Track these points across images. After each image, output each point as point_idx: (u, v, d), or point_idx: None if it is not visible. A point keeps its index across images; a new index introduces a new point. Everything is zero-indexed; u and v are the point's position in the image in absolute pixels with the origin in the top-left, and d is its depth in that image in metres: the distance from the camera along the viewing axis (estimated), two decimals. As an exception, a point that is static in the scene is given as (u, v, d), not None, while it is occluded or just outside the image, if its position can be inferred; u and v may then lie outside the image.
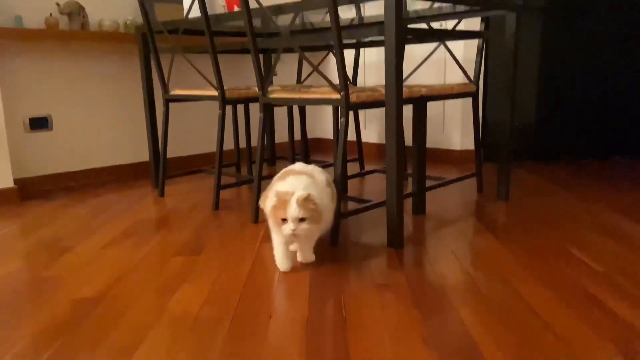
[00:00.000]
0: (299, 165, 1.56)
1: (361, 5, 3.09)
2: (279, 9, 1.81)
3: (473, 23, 2.78)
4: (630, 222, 1.83)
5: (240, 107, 3.26)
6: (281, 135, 3.56)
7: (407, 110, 3.03)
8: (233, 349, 1.06)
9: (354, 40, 2.59)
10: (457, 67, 2.94)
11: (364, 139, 3.50)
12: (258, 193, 1.96)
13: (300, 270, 1.47)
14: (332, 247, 1.66)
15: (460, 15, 2.06)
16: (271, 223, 1.41)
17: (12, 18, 2.48)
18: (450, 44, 2.93)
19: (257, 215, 1.98)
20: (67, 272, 1.52)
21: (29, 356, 1.05)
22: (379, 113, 3.42)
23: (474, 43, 2.86)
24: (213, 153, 3.28)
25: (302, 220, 1.34)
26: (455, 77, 2.98)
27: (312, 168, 1.54)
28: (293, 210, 1.32)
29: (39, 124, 2.60)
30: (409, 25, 2.39)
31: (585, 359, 0.98)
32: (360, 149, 2.84)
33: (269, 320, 1.18)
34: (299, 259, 1.53)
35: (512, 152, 2.17)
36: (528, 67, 2.96)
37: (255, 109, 3.21)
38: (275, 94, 1.88)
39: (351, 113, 2.95)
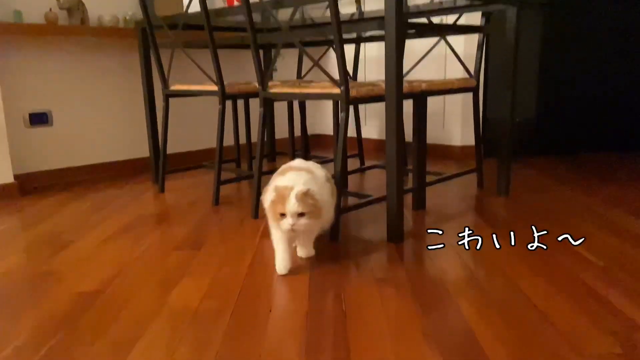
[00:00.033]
0: (298, 162, 1.55)
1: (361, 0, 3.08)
2: (278, 4, 1.80)
3: (474, 18, 2.77)
4: (631, 217, 1.83)
5: (241, 103, 3.25)
6: (281, 131, 3.56)
7: (407, 106, 3.02)
8: (233, 343, 1.06)
9: (354, 35, 2.59)
10: (457, 62, 2.94)
11: (364, 135, 3.50)
12: (258, 188, 1.95)
13: (300, 265, 1.47)
14: (332, 242, 1.66)
15: (460, 10, 2.05)
16: (270, 219, 1.39)
17: (12, 13, 2.48)
18: (451, 39, 2.92)
19: (257, 211, 1.98)
20: (67, 267, 1.52)
21: (29, 349, 1.06)
22: (379, 109, 3.42)
23: (475, 38, 2.85)
24: (213, 149, 3.28)
25: (301, 215, 1.31)
26: (455, 73, 2.97)
27: (311, 164, 1.53)
28: (292, 205, 1.30)
29: (39, 119, 2.60)
30: (410, 20, 2.38)
31: (584, 352, 0.98)
32: (361, 144, 2.84)
33: (269, 314, 1.18)
34: (299, 253, 1.53)
35: (513, 147, 2.16)
36: (529, 62, 2.95)
37: (255, 104, 3.20)
38: (275, 88, 1.88)
39: (351, 109, 2.95)
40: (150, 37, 2.30)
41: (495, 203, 2.08)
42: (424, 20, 2.77)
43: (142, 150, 3.00)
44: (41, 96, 2.60)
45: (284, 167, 1.53)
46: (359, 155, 2.84)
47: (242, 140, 3.32)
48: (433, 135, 3.16)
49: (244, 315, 1.18)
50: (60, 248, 1.68)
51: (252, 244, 1.67)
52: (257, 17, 3.02)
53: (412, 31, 2.27)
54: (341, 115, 1.62)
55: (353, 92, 1.61)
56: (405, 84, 1.78)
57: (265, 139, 3.07)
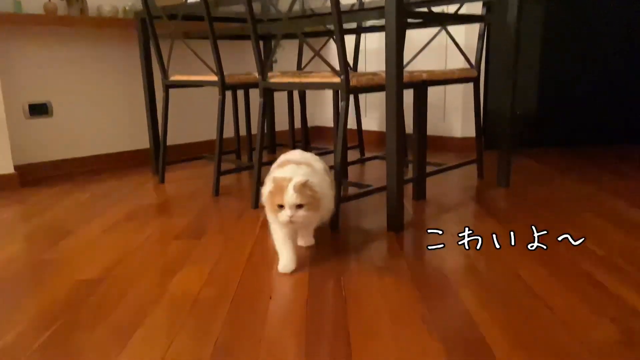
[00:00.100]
0: (296, 153, 1.52)
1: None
2: (279, -7, 1.79)
3: (475, 8, 2.76)
4: (631, 207, 1.83)
5: (241, 95, 3.25)
6: (281, 123, 3.55)
7: (408, 97, 3.02)
8: (233, 329, 1.06)
9: (355, 26, 2.58)
10: (458, 54, 2.93)
11: (364, 126, 3.50)
12: (258, 179, 1.95)
13: (300, 254, 1.47)
14: (332, 231, 1.66)
15: (461, 0, 2.04)
16: (268, 211, 1.35)
17: (11, 3, 2.47)
18: (452, 30, 2.91)
19: (257, 201, 1.98)
20: (68, 255, 1.52)
21: (30, 335, 1.06)
22: (380, 100, 3.41)
23: (475, 29, 2.84)
24: (213, 141, 3.27)
25: (299, 207, 1.27)
26: (456, 64, 2.97)
27: (310, 156, 1.51)
28: (290, 196, 1.26)
29: (39, 110, 2.59)
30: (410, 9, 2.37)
31: (584, 338, 0.98)
32: (361, 136, 2.83)
33: (269, 301, 1.19)
34: (299, 242, 1.53)
35: (513, 139, 2.16)
36: (530, 52, 2.94)
37: (255, 96, 3.20)
38: (275, 78, 1.87)
39: (352, 100, 2.94)
40: (149, 27, 2.29)
41: (495, 194, 2.08)
42: (424, 10, 2.76)
43: (142, 141, 3.00)
44: (41, 87, 2.60)
45: (282, 159, 1.50)
46: (359, 147, 2.84)
47: (243, 132, 3.32)
48: (433, 127, 3.16)
49: (244, 303, 1.18)
50: (60, 237, 1.69)
51: (252, 234, 1.67)
52: (257, 7, 3.01)
53: (413, 20, 2.27)
54: (341, 104, 1.61)
55: (353, 81, 1.61)
56: (405, 74, 1.78)
57: (266, 131, 3.07)
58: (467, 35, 2.88)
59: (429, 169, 2.07)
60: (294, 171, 1.35)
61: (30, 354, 0.99)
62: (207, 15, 2.01)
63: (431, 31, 3.00)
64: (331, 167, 1.71)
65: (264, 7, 2.97)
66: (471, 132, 3.04)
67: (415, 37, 3.05)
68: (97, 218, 1.89)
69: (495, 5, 2.23)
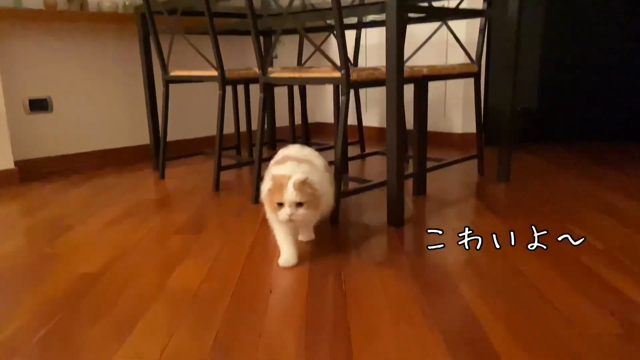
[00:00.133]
0: (295, 148, 1.50)
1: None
2: (279, -13, 1.79)
3: (476, 3, 2.75)
4: (631, 202, 1.83)
5: (241, 91, 3.24)
6: (282, 119, 3.55)
7: (408, 94, 3.01)
8: (233, 323, 1.06)
9: (355, 21, 2.57)
10: (458, 49, 2.92)
11: (364, 122, 3.49)
12: (258, 174, 1.95)
13: (301, 248, 1.46)
14: (333, 226, 1.66)
15: (462, -6, 2.03)
16: (268, 210, 1.33)
17: (11, -2, 2.46)
18: (452, 25, 2.90)
19: (258, 196, 1.97)
20: (68, 250, 1.52)
21: (30, 329, 1.06)
22: (380, 96, 3.41)
23: (476, 25, 2.83)
24: (213, 136, 3.27)
25: (299, 205, 1.25)
26: (457, 59, 2.96)
27: (309, 152, 1.49)
28: (290, 194, 1.24)
29: (39, 105, 2.59)
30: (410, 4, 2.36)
31: (584, 332, 0.98)
32: (361, 131, 2.83)
33: (269, 295, 1.19)
34: (299, 237, 1.53)
35: (514, 134, 2.15)
36: (531, 48, 2.93)
37: (255, 91, 3.19)
38: (275, 73, 1.87)
39: (352, 96, 2.94)
40: (149, 22, 2.29)
41: (496, 189, 2.07)
42: (425, 4, 2.75)
43: (142, 137, 2.99)
44: (41, 82, 2.59)
45: (281, 154, 1.48)
46: (360, 142, 2.84)
47: (243, 128, 3.31)
48: (434, 123, 3.15)
49: (244, 297, 1.18)
50: (61, 232, 1.69)
51: (252, 229, 1.67)
52: (257, 2, 3.00)
53: (414, 15, 2.26)
54: (342, 99, 1.61)
55: (354, 76, 1.61)
56: (406, 69, 1.78)
57: (266, 127, 3.07)
58: (468, 30, 2.87)
59: (429, 164, 2.07)
60: (293, 168, 1.33)
61: (30, 347, 0.99)
62: (207, 11, 2.01)
63: (432, 26, 2.99)
64: (331, 163, 1.71)
65: (264, 2, 2.96)
66: (472, 128, 3.03)
67: (415, 33, 3.04)
68: (97, 213, 1.89)
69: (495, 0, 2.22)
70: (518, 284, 1.20)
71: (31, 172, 2.60)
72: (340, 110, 1.62)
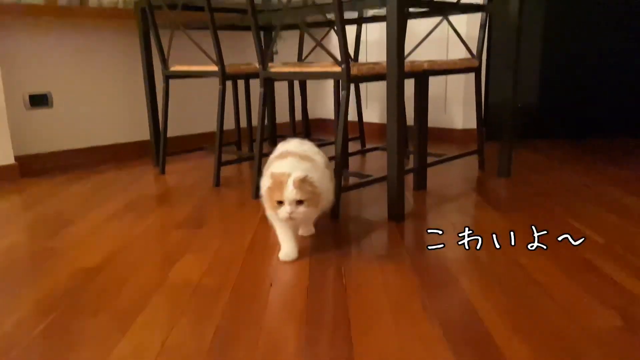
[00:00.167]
0: (295, 143, 1.48)
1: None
2: (279, -19, 1.78)
3: (476, -1, 2.75)
4: (631, 197, 1.83)
5: (241, 87, 3.24)
6: (282, 115, 3.55)
7: (409, 90, 3.01)
8: (233, 316, 1.06)
9: (356, 15, 2.56)
10: (459, 45, 2.92)
11: (365, 119, 3.49)
12: (259, 170, 1.95)
13: (301, 243, 1.46)
14: (333, 221, 1.66)
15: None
16: (267, 207, 1.33)
17: (10, -7, 2.46)
18: (453, 20, 2.90)
19: (258, 192, 1.97)
20: (69, 244, 1.52)
21: (31, 321, 1.06)
22: (381, 92, 3.40)
23: (477, 20, 2.83)
24: (214, 132, 3.27)
25: (299, 203, 1.24)
26: (457, 55, 2.95)
27: (309, 147, 1.47)
28: (290, 192, 1.23)
29: (39, 101, 2.59)
30: None
31: (585, 325, 0.98)
32: (362, 127, 2.83)
33: (269, 288, 1.19)
34: (300, 232, 1.53)
35: (514, 129, 2.15)
36: (531, 43, 2.93)
37: (255, 87, 3.19)
38: (275, 68, 1.87)
39: (352, 92, 2.93)
40: (150, 17, 2.28)
41: (496, 184, 2.07)
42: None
43: (142, 133, 2.99)
44: (41, 78, 2.59)
45: (281, 149, 1.46)
46: (360, 138, 2.84)
47: (243, 124, 3.31)
48: (434, 119, 3.15)
49: (245, 290, 1.18)
50: (61, 226, 1.69)
51: (253, 223, 1.67)
52: (257, -2, 3.00)
53: (414, 10, 2.26)
54: (342, 93, 1.61)
55: (354, 70, 1.60)
56: (406, 63, 1.77)
57: (266, 123, 3.07)
58: (469, 25, 2.86)
59: (429, 159, 2.07)
60: (293, 165, 1.31)
61: (31, 339, 0.99)
62: (208, 5, 2.00)
63: (432, 22, 2.99)
64: (332, 158, 1.71)
65: (265, -2, 2.95)
66: (472, 124, 3.03)
67: (416, 29, 3.04)
68: (98, 208, 1.89)
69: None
70: (518, 278, 1.20)
71: (31, 167, 2.60)
72: (340, 105, 1.61)
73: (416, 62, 1.83)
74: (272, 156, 1.47)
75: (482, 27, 2.15)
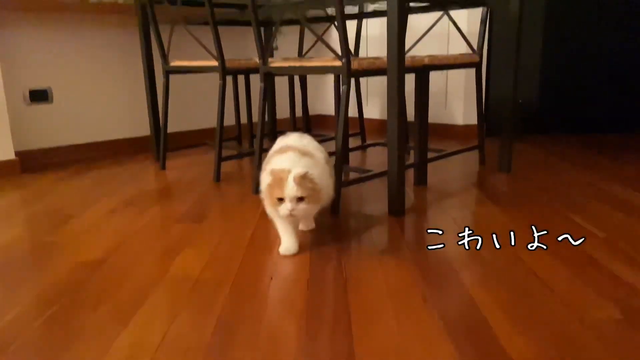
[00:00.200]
0: (295, 137, 1.47)
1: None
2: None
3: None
4: (632, 192, 1.83)
5: (242, 82, 3.23)
6: (282, 111, 3.54)
7: (409, 85, 3.01)
8: (234, 308, 1.06)
9: (356, 10, 2.56)
10: (460, 40, 2.91)
11: (365, 115, 3.48)
12: (259, 166, 1.95)
13: (301, 237, 1.46)
14: (333, 216, 1.66)
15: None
16: (268, 204, 1.32)
17: (10, -12, 2.45)
18: (454, 16, 2.89)
19: (258, 187, 1.97)
20: (69, 238, 1.52)
21: (31, 315, 1.06)
22: (381, 88, 3.40)
23: (478, 16, 2.82)
24: (214, 128, 3.26)
25: (300, 199, 1.23)
26: (458, 51, 2.95)
27: (308, 141, 1.46)
28: (290, 189, 1.22)
29: (39, 96, 2.58)
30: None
31: (585, 317, 0.98)
32: (362, 123, 2.83)
33: (270, 282, 1.19)
34: (300, 227, 1.52)
35: (515, 125, 2.15)
36: (532, 39, 2.92)
37: (256, 83, 3.18)
38: (276, 63, 1.86)
39: (353, 87, 2.93)
40: (150, 12, 2.28)
41: (497, 179, 2.07)
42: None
43: (143, 128, 2.99)
44: (41, 73, 2.59)
45: (281, 144, 1.46)
46: (361, 134, 2.83)
47: (244, 120, 3.31)
48: (435, 115, 3.15)
49: (245, 284, 1.18)
50: (62, 221, 1.69)
51: (253, 218, 1.67)
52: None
53: (415, 5, 2.25)
54: (342, 88, 1.60)
55: (354, 65, 1.60)
56: (407, 58, 1.77)
57: (267, 118, 3.06)
58: (470, 21, 2.85)
59: (430, 155, 2.07)
60: (293, 160, 1.30)
61: (31, 332, 0.99)
62: (208, 0, 2.00)
63: (433, 17, 2.98)
64: (332, 153, 1.71)
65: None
66: (473, 119, 3.02)
67: (416, 24, 3.03)
68: (98, 203, 1.89)
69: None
70: (518, 271, 1.20)
71: (32, 162, 2.60)
72: (341, 99, 1.61)
73: (417, 57, 1.83)
74: (271, 151, 1.47)
75: (483, 21, 2.14)
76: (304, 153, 1.35)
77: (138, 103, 2.95)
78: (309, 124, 2.78)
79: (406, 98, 2.40)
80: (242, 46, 3.31)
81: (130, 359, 0.89)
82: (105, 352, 0.92)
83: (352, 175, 2.18)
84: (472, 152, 2.55)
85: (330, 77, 3.70)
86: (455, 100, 3.05)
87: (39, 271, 1.29)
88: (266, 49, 1.89)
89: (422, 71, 1.87)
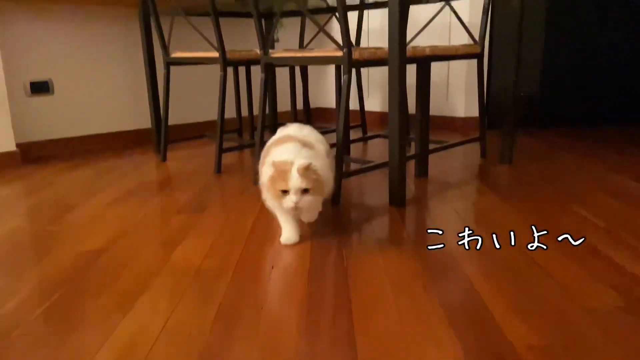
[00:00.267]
0: (294, 128, 1.45)
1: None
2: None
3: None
4: (633, 182, 1.83)
5: (242, 76, 3.22)
6: (283, 104, 3.54)
7: (411, 77, 3.00)
8: (236, 296, 1.07)
9: (358, 2, 2.55)
10: (461, 32, 2.90)
11: (367, 107, 3.47)
12: (259, 158, 1.94)
13: (302, 227, 1.46)
14: (334, 207, 1.66)
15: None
16: (269, 197, 1.29)
17: (10, -21, 2.44)
18: (456, 6, 2.88)
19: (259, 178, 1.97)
20: (71, 228, 1.52)
21: (33, 302, 1.07)
22: (382, 80, 3.39)
23: (479, 7, 2.81)
24: (215, 121, 3.26)
25: (305, 191, 1.21)
26: (460, 43, 2.93)
27: (309, 133, 1.44)
28: (295, 180, 1.19)
29: (40, 88, 2.58)
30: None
31: (586, 304, 0.99)
32: (363, 115, 2.82)
33: (271, 271, 1.19)
34: (302, 217, 1.46)
35: (517, 116, 2.14)
36: (534, 31, 2.91)
37: (257, 74, 3.18)
38: (277, 53, 1.86)
39: (354, 79, 2.92)
40: (150, 3, 2.27)
41: (498, 170, 2.07)
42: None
43: (144, 121, 2.99)
44: (42, 65, 2.58)
45: (281, 134, 1.44)
46: (362, 126, 2.83)
47: (244, 113, 3.30)
48: (436, 107, 3.14)
49: (247, 272, 1.18)
50: (63, 211, 1.69)
51: (254, 209, 1.67)
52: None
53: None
54: (343, 78, 1.60)
55: (356, 55, 1.59)
56: (408, 49, 1.76)
57: (267, 111, 3.06)
58: (471, 12, 2.84)
59: (431, 146, 2.06)
60: (294, 152, 1.27)
61: (33, 320, 1.00)
62: (208, -10, 1.99)
63: (434, 8, 2.96)
64: (333, 145, 1.70)
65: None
66: (474, 112, 3.02)
67: (418, 15, 3.02)
68: (100, 193, 1.89)
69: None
70: (519, 261, 1.20)
71: (33, 154, 2.60)
72: (342, 89, 1.61)
73: (418, 47, 1.82)
74: (270, 141, 1.43)
75: (485, 12, 2.13)
76: (304, 144, 1.33)
77: (139, 95, 2.94)
78: (309, 116, 2.77)
79: (407, 91, 2.40)
80: (242, 39, 3.30)
81: (132, 346, 0.90)
82: (107, 338, 0.92)
83: (353, 166, 2.18)
84: (473, 145, 2.55)
85: (332, 70, 3.69)
86: (456, 92, 3.04)
87: (41, 260, 1.29)
88: (267, 39, 1.89)
89: (424, 62, 1.86)
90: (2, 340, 0.92)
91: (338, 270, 1.18)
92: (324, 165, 1.31)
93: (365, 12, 3.28)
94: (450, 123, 3.10)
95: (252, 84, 3.15)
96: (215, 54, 2.11)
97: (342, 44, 1.58)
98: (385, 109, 3.40)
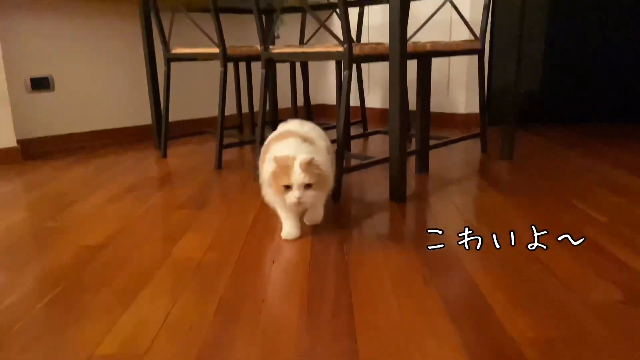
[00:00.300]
0: (295, 124, 1.44)
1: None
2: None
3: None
4: (634, 178, 1.83)
5: (243, 72, 3.22)
6: (284, 101, 3.53)
7: (411, 73, 3.00)
8: (237, 289, 1.07)
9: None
10: (462, 29, 2.89)
11: (367, 104, 3.47)
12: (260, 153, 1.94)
13: (303, 223, 1.46)
14: (334, 202, 1.66)
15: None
16: (271, 193, 1.29)
17: (10, -25, 2.44)
18: (457, 2, 2.87)
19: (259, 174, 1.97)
20: (72, 223, 1.53)
21: (34, 296, 1.07)
22: (383, 77, 3.39)
23: (481, 3, 2.80)
24: (215, 117, 3.26)
25: (307, 186, 1.20)
26: (461, 39, 2.93)
27: (309, 128, 1.44)
28: (298, 175, 1.18)
29: (40, 84, 2.58)
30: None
31: (586, 299, 0.99)
32: (364, 111, 2.82)
33: (271, 265, 1.19)
34: (306, 220, 1.44)
35: (518, 112, 2.14)
36: (535, 28, 2.90)
37: (257, 71, 3.17)
38: (277, 49, 1.86)
39: (355, 76, 2.92)
40: (151, -1, 2.27)
41: (499, 166, 2.07)
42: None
43: (144, 117, 2.99)
44: (42, 61, 2.58)
45: (282, 129, 1.43)
46: (362, 122, 2.83)
47: (245, 109, 3.30)
48: (437, 103, 3.14)
49: (248, 266, 1.19)
50: (64, 206, 1.69)
51: (255, 204, 1.67)
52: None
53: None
54: (344, 73, 1.60)
55: (356, 50, 1.59)
56: (409, 44, 1.76)
57: (268, 108, 3.06)
58: (472, 8, 2.84)
59: (431, 142, 2.06)
60: (295, 148, 1.27)
61: (34, 313, 1.00)
62: (209, -14, 1.99)
63: (435, 4, 2.96)
64: (333, 141, 1.70)
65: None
66: (475, 108, 3.01)
67: (419, 11, 3.01)
68: (100, 189, 1.90)
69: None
70: (520, 255, 1.20)
71: (33, 150, 2.60)
72: (342, 85, 1.61)
73: (419, 43, 1.82)
74: (270, 137, 1.43)
75: (486, 7, 2.13)
76: (304, 139, 1.33)
77: (139, 91, 2.94)
78: (310, 112, 2.77)
79: (408, 87, 2.39)
80: (242, 36, 3.29)
81: (134, 338, 0.90)
82: (109, 331, 0.92)
83: (354, 162, 2.17)
84: (473, 141, 2.55)
85: (332, 67, 3.69)
86: (457, 89, 3.04)
87: (42, 254, 1.29)
88: (267, 35, 1.88)
89: (424, 57, 1.86)
90: (3, 334, 0.93)
91: (339, 265, 1.18)
92: (325, 161, 1.30)
93: (366, 8, 3.27)
94: (450, 119, 3.09)
95: (253, 80, 3.14)
96: (216, 50, 2.11)
97: (342, 40, 1.58)
98: (386, 105, 3.39)
